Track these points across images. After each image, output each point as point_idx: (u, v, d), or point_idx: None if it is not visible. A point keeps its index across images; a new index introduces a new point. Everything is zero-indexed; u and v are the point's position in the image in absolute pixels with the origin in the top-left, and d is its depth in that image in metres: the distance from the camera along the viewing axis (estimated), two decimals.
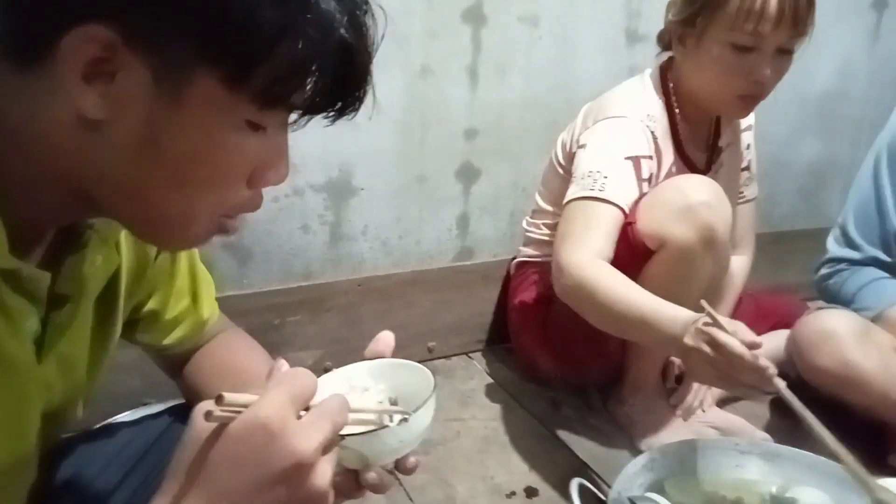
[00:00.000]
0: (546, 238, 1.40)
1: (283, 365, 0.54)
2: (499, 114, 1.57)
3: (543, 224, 1.41)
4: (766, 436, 1.21)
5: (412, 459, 0.56)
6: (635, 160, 1.16)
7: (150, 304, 0.72)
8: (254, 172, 0.51)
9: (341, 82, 0.50)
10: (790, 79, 1.82)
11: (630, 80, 1.32)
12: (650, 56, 1.66)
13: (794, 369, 1.26)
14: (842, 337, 1.16)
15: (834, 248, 1.37)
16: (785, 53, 1.15)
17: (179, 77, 0.45)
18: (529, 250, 1.46)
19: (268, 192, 1.49)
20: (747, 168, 1.45)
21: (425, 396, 0.53)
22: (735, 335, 0.86)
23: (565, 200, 1.18)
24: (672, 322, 0.94)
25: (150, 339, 0.75)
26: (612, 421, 1.34)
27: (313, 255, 1.47)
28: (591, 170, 1.16)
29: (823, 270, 1.38)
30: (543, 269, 1.36)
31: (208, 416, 0.44)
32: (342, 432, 0.50)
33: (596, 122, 1.23)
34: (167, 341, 0.75)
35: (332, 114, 0.52)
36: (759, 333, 1.41)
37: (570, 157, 1.30)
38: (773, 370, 0.85)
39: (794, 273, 1.97)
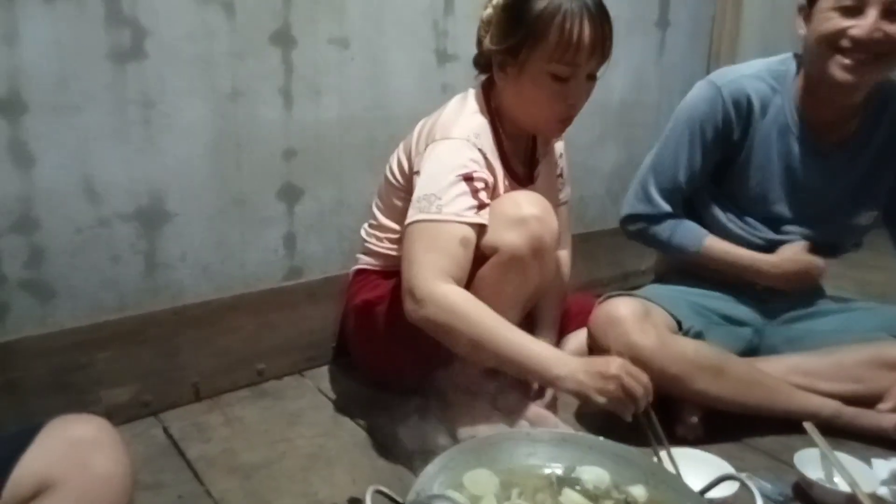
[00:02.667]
0: (387, 251, 1.44)
1: None
2: (316, 134, 1.60)
3: (385, 238, 1.44)
4: (564, 425, 1.33)
5: None
6: (466, 177, 1.21)
7: None
8: None
9: None
10: (593, 92, 1.96)
11: (455, 101, 1.37)
12: (461, 74, 1.77)
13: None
14: (625, 321, 1.31)
15: (634, 205, 1.54)
16: (592, 78, 1.29)
17: None
18: (371, 259, 1.48)
19: (68, 224, 1.43)
20: (561, 175, 1.58)
21: None
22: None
23: (405, 223, 1.22)
24: (561, 364, 1.13)
25: None
26: (436, 423, 1.39)
27: (127, 287, 1.41)
28: (425, 193, 1.21)
29: (631, 227, 1.56)
30: (384, 276, 1.42)
31: None
32: None
33: (427, 147, 1.27)
34: None
35: None
36: (569, 331, 1.56)
37: (409, 178, 1.34)
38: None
39: (606, 268, 2.16)
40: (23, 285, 1.30)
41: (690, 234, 1.49)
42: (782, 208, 1.48)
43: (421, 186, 1.23)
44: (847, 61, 1.30)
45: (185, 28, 1.37)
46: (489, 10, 1.32)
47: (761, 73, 1.45)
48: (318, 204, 1.64)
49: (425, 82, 1.73)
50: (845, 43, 1.29)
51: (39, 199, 1.28)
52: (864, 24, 1.26)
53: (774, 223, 1.49)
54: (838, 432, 1.34)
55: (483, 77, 1.39)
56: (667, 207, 1.50)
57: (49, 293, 1.33)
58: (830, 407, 1.36)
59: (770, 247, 1.49)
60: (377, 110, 1.67)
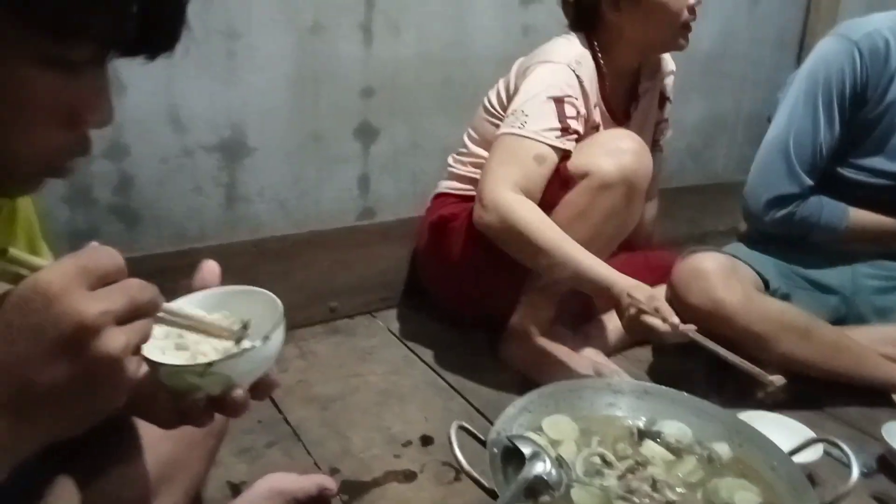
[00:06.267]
0: (468, 174, 1.47)
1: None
2: (394, 72, 1.57)
3: (470, 163, 1.47)
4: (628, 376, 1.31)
5: (274, 371, 0.55)
6: (557, 99, 1.27)
7: None
8: (73, 113, 0.49)
9: (149, 18, 0.48)
10: None
11: (557, 38, 1.41)
12: (544, 16, 1.70)
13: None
14: (710, 276, 1.26)
15: (781, 186, 1.37)
16: None
17: None
18: (452, 183, 1.51)
19: (155, 152, 1.44)
20: (666, 120, 1.60)
21: (265, 317, 0.54)
22: (658, 312, 1.10)
23: (495, 137, 1.29)
24: (608, 287, 1.14)
25: None
26: (504, 364, 1.40)
27: (207, 218, 1.44)
28: (514, 109, 1.28)
29: (778, 213, 1.38)
30: (463, 199, 1.45)
31: None
32: (204, 360, 0.50)
33: (527, 70, 1.33)
34: None
35: (146, 53, 0.51)
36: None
37: (505, 106, 1.38)
38: (682, 326, 1.09)
39: (683, 226, 2.09)
40: (112, 210, 1.34)
41: (836, 211, 1.38)
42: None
43: (514, 103, 1.29)
44: None
45: None
46: None
47: None
48: (393, 145, 1.63)
49: (506, 23, 1.68)
50: None
51: (129, 126, 1.30)
52: None
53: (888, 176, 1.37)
54: None
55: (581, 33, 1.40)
56: (811, 183, 1.36)
57: (136, 219, 1.36)
58: None
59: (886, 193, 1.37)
60: (456, 49, 1.63)
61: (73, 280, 0.40)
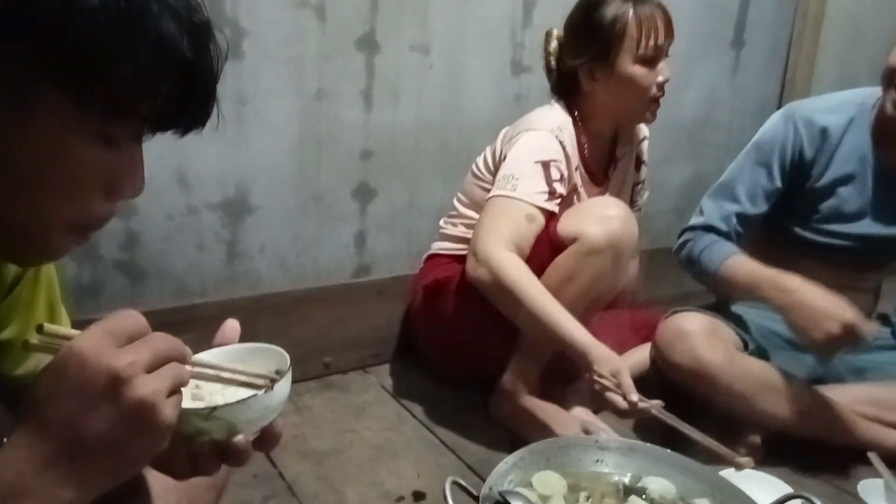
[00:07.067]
0: (460, 234, 1.53)
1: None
2: (393, 136, 1.65)
3: (461, 223, 1.54)
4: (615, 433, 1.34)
5: (279, 423, 0.58)
6: (544, 164, 1.35)
7: (6, 334, 0.70)
8: (111, 184, 0.54)
9: (186, 98, 0.54)
10: (662, 108, 1.99)
11: (539, 108, 1.51)
12: (535, 85, 1.79)
13: (657, 371, 1.40)
14: (693, 336, 1.31)
15: (693, 217, 1.52)
16: (667, 57, 1.41)
17: (25, 89, 0.48)
18: (444, 244, 1.57)
19: (162, 210, 1.50)
20: (642, 182, 1.67)
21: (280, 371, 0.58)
22: (620, 388, 1.14)
23: (486, 199, 1.37)
24: (583, 354, 1.19)
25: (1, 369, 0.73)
26: (494, 422, 1.43)
27: (209, 273, 1.49)
28: (505, 174, 1.37)
29: (679, 240, 1.52)
30: (456, 259, 1.50)
31: (25, 344, 0.46)
32: (210, 405, 0.53)
33: (513, 138, 1.42)
34: (20, 371, 0.72)
35: (180, 129, 0.57)
36: (632, 345, 1.58)
37: (493, 171, 1.46)
38: (642, 404, 1.14)
39: (668, 286, 2.15)
40: (117, 266, 1.38)
41: (716, 254, 1.39)
42: (855, 228, 1.44)
43: (503, 168, 1.38)
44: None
45: (281, 30, 1.44)
46: (554, 43, 1.47)
47: (839, 105, 1.43)
48: (390, 205, 1.69)
49: (499, 91, 1.77)
50: None
51: None
52: None
53: (850, 238, 1.45)
54: None
55: (562, 100, 1.49)
56: (715, 221, 1.44)
57: (140, 275, 1.41)
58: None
59: (849, 254, 1.44)
60: (452, 116, 1.72)
61: (101, 342, 0.45)
